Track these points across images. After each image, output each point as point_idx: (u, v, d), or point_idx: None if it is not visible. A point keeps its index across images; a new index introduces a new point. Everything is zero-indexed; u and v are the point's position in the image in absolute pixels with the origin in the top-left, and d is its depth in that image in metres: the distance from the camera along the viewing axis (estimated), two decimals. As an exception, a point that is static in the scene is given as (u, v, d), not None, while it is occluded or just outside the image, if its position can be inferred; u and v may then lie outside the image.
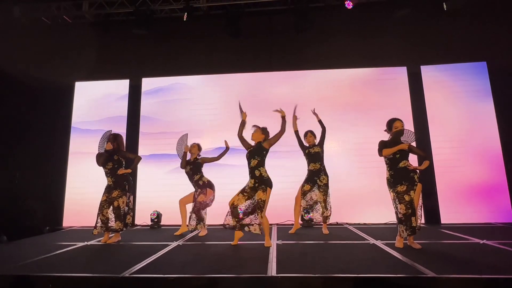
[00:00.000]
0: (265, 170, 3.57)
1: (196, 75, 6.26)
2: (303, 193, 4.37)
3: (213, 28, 6.20)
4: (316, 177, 4.34)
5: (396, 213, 3.36)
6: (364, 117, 5.72)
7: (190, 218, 4.28)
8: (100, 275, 2.62)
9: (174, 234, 4.45)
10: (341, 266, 2.69)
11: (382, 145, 3.40)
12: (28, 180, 5.97)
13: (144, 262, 2.97)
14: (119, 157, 4.07)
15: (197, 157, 4.50)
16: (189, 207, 4.49)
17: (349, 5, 5.51)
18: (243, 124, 3.68)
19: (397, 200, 3.31)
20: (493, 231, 4.45)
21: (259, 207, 3.44)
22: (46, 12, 6.21)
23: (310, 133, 4.47)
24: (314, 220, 4.46)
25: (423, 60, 5.85)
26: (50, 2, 6.12)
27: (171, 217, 5.08)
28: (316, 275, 2.47)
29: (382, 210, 5.06)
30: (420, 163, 3.72)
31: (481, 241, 3.63)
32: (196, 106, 6.11)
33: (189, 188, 4.52)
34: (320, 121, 4.47)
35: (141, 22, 5.89)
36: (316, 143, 4.44)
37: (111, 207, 3.99)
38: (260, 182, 3.50)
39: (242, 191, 3.57)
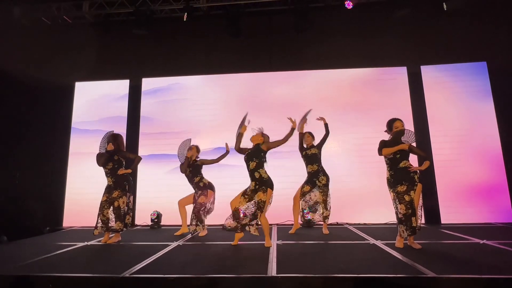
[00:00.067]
0: (265, 171, 3.57)
1: (196, 75, 6.26)
2: (302, 194, 4.38)
3: (213, 28, 6.21)
4: (315, 178, 4.34)
5: (396, 213, 3.36)
6: (364, 117, 5.73)
7: (191, 220, 4.27)
8: (100, 275, 2.62)
9: (174, 234, 4.46)
10: (341, 266, 2.69)
11: (382, 145, 3.40)
12: (28, 180, 5.97)
13: (144, 262, 2.97)
14: (119, 157, 4.08)
15: (196, 159, 4.48)
16: (189, 208, 4.49)
17: (349, 5, 5.51)
18: (240, 137, 3.61)
19: (397, 200, 3.31)
20: (493, 231, 4.45)
21: (259, 208, 3.44)
22: (46, 12, 6.21)
23: (308, 134, 4.47)
24: (314, 220, 4.46)
25: (423, 60, 5.85)
26: (50, 3, 6.12)
27: (171, 217, 5.09)
28: (316, 275, 2.47)
29: (382, 210, 5.06)
30: (420, 163, 3.72)
31: (481, 241, 3.63)
32: (196, 106, 6.11)
33: (190, 188, 4.52)
34: (326, 125, 4.45)
35: (141, 22, 5.89)
36: (314, 145, 4.44)
37: (112, 207, 3.99)
38: (260, 184, 3.50)
39: (244, 194, 3.57)
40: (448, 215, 5.27)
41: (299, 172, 4.55)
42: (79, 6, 6.21)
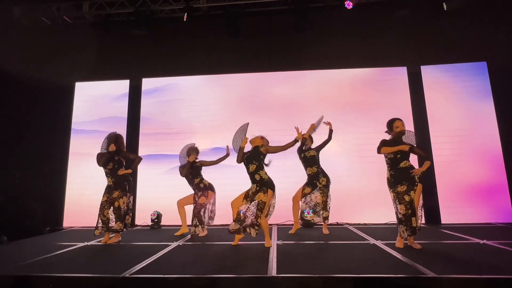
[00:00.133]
0: (265, 173, 3.57)
1: (196, 75, 6.26)
2: (303, 195, 4.39)
3: (213, 28, 6.21)
4: (315, 180, 4.35)
5: (396, 213, 3.36)
6: (364, 117, 5.73)
7: (192, 221, 4.26)
8: (100, 275, 2.62)
9: (174, 234, 4.46)
10: (341, 266, 2.69)
11: (383, 144, 3.39)
12: (28, 180, 5.97)
13: (145, 262, 2.97)
14: (120, 158, 4.08)
15: (196, 160, 4.47)
16: (188, 208, 4.49)
17: (349, 5, 5.51)
18: (241, 151, 3.59)
19: (397, 200, 3.31)
20: (493, 231, 4.44)
21: (259, 209, 3.44)
22: (46, 12, 6.21)
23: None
24: (314, 221, 4.46)
25: (423, 60, 5.85)
26: (50, 3, 6.12)
27: (171, 217, 5.08)
28: (316, 275, 2.47)
29: (382, 210, 5.06)
30: (421, 163, 3.72)
31: (481, 241, 3.63)
32: (196, 106, 6.11)
33: (190, 189, 4.52)
34: (331, 131, 4.44)
35: (141, 23, 5.89)
36: (312, 147, 4.44)
37: (112, 207, 3.99)
38: (261, 185, 3.50)
39: (246, 197, 3.56)
40: (448, 215, 5.27)
41: (300, 172, 4.55)
42: (79, 6, 6.22)
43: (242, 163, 3.64)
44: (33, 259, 3.21)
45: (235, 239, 3.67)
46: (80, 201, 5.78)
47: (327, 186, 4.34)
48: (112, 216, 3.99)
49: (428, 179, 5.17)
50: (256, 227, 3.43)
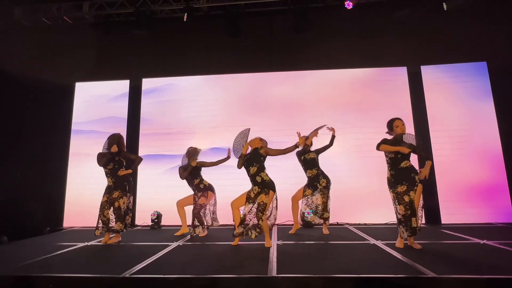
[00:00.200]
0: (266, 174, 3.57)
1: (196, 76, 6.26)
2: (304, 197, 4.39)
3: (213, 28, 6.21)
4: (316, 182, 4.35)
5: (396, 213, 3.36)
6: (364, 117, 5.72)
7: (192, 222, 4.26)
8: (100, 275, 2.62)
9: (175, 234, 4.46)
10: (342, 266, 2.69)
11: (383, 141, 3.38)
12: (28, 180, 5.98)
13: (145, 262, 2.97)
14: (120, 158, 4.08)
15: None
16: (187, 209, 4.49)
17: (348, 5, 5.51)
18: (242, 158, 3.59)
19: (396, 201, 3.31)
20: (494, 231, 4.44)
21: (260, 210, 3.44)
22: (47, 13, 6.22)
23: (305, 138, 4.45)
24: (315, 222, 4.45)
25: (423, 60, 5.85)
26: (50, 3, 6.12)
27: (171, 217, 5.08)
28: (317, 275, 2.48)
29: (382, 210, 5.06)
30: (421, 163, 3.71)
31: (482, 241, 3.63)
32: (196, 106, 6.11)
33: (190, 189, 4.52)
34: (333, 137, 4.45)
35: (141, 23, 5.89)
36: (312, 149, 4.44)
37: (112, 207, 3.99)
38: (263, 187, 3.50)
39: (248, 199, 3.54)
40: (448, 215, 5.26)
41: (300, 173, 4.54)
42: (79, 7, 6.22)
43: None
44: (33, 259, 3.21)
45: (235, 239, 3.67)
46: (80, 201, 5.79)
47: (327, 187, 4.35)
48: (112, 216, 3.99)
49: (428, 179, 5.07)
50: (258, 229, 3.42)
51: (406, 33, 5.85)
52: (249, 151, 3.67)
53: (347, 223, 5.27)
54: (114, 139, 4.07)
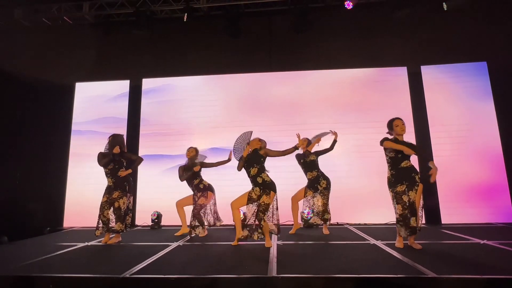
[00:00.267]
0: (267, 175, 3.57)
1: (196, 76, 6.26)
2: (305, 198, 4.40)
3: (213, 28, 6.21)
4: (316, 183, 4.35)
5: (395, 213, 3.36)
6: (364, 117, 5.72)
7: (191, 222, 4.25)
8: (100, 275, 2.62)
9: (175, 234, 4.46)
10: (342, 267, 2.69)
11: (386, 139, 3.36)
12: (28, 180, 5.98)
13: (145, 262, 2.97)
14: (121, 159, 4.08)
15: (195, 161, 4.46)
16: (187, 209, 4.49)
17: (348, 5, 5.51)
18: (242, 160, 3.59)
19: (395, 200, 3.31)
20: (494, 231, 4.44)
21: (261, 211, 3.44)
22: (47, 13, 6.22)
23: (306, 139, 4.44)
24: (315, 223, 4.45)
25: (423, 60, 5.85)
26: (50, 3, 6.13)
27: (172, 217, 5.07)
28: (317, 275, 2.47)
29: (382, 210, 5.05)
30: (421, 163, 3.71)
31: (482, 241, 3.63)
32: (196, 107, 6.11)
33: (190, 189, 4.51)
34: (335, 142, 4.46)
35: (142, 23, 5.89)
36: (311, 151, 4.44)
37: (112, 208, 3.99)
38: (264, 187, 3.50)
39: (249, 200, 3.53)
40: (449, 215, 5.26)
41: (300, 174, 4.55)
42: (79, 7, 6.22)
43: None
44: (33, 259, 3.21)
45: (235, 239, 3.67)
46: (80, 201, 5.79)
47: (327, 188, 4.35)
48: (112, 216, 3.99)
49: (429, 179, 5.15)
50: (260, 230, 3.43)
51: (406, 33, 5.85)
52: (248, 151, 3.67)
53: (347, 223, 5.27)
54: (117, 140, 4.06)
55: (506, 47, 5.55)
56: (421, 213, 3.41)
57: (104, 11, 6.19)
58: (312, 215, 4.39)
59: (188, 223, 4.34)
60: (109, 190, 4.01)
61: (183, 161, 4.56)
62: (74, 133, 6.20)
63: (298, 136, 3.81)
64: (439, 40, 5.80)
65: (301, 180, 4.52)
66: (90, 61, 6.19)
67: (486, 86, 5.63)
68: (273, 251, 3.29)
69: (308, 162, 4.38)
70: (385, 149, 3.41)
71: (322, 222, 4.34)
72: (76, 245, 3.94)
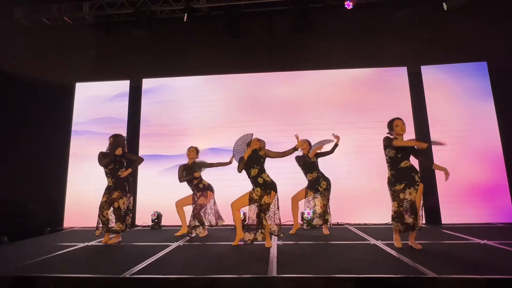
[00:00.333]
0: (267, 175, 3.56)
1: (196, 76, 6.26)
2: (306, 200, 4.40)
3: (213, 28, 6.21)
4: (317, 184, 4.36)
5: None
6: (364, 117, 5.72)
7: (190, 221, 4.25)
8: (100, 275, 2.62)
9: (175, 234, 4.46)
10: (342, 267, 2.69)
11: (390, 139, 3.36)
12: (28, 180, 5.98)
13: (145, 262, 2.97)
14: (122, 159, 4.07)
15: (195, 161, 4.46)
16: (187, 209, 4.49)
17: (348, 5, 5.51)
18: (243, 162, 3.58)
19: (392, 197, 3.32)
20: (494, 231, 4.44)
21: (262, 210, 3.44)
22: (47, 13, 6.22)
23: (305, 140, 4.43)
24: (316, 224, 4.44)
25: (423, 60, 5.85)
26: (50, 4, 6.13)
27: (172, 217, 5.07)
28: (317, 275, 2.47)
29: (382, 210, 5.04)
30: (420, 163, 3.70)
31: (482, 241, 3.63)
32: (196, 107, 6.10)
33: (190, 189, 4.51)
34: (336, 146, 4.45)
35: (142, 23, 5.89)
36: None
37: (111, 208, 3.99)
38: (265, 188, 3.49)
39: (250, 201, 3.52)
40: (449, 215, 5.26)
41: (300, 174, 4.55)
42: (79, 7, 6.22)
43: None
44: (33, 259, 3.21)
45: (235, 240, 3.67)
46: (80, 201, 5.79)
47: (327, 189, 4.35)
48: (111, 216, 3.99)
49: (429, 179, 5.16)
50: (263, 230, 3.43)
51: (406, 33, 5.85)
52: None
53: (347, 223, 5.27)
54: (119, 141, 4.04)
55: (506, 47, 5.55)
56: (421, 213, 3.41)
57: (104, 11, 6.19)
58: (312, 215, 4.39)
59: (188, 223, 4.34)
60: (109, 190, 4.01)
61: (183, 161, 4.55)
62: (74, 133, 6.20)
63: (297, 137, 3.81)
64: (439, 40, 5.80)
65: (301, 180, 4.52)
66: (90, 61, 6.19)
67: (486, 86, 5.63)
68: (273, 251, 3.29)
69: (308, 163, 4.38)
70: (384, 149, 3.41)
71: (321, 222, 4.34)
72: (76, 245, 3.94)
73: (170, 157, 5.84)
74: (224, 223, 4.47)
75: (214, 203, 4.45)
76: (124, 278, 2.53)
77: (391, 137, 3.39)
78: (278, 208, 3.58)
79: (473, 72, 5.74)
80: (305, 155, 4.39)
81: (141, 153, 5.87)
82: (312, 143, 4.53)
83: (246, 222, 3.75)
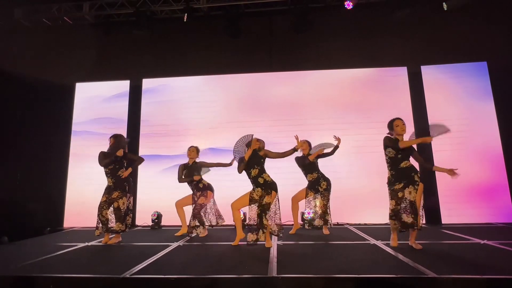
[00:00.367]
0: (268, 175, 3.56)
1: (196, 76, 6.26)
2: (306, 200, 4.40)
3: (213, 28, 6.21)
4: (317, 185, 4.35)
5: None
6: (364, 117, 5.72)
7: (190, 221, 4.26)
8: (101, 275, 2.62)
9: (175, 234, 4.46)
10: (342, 267, 2.69)
11: (392, 141, 3.34)
12: (28, 180, 5.98)
13: (145, 262, 2.97)
14: (122, 159, 4.07)
15: (196, 161, 4.46)
16: (186, 209, 4.49)
17: (348, 5, 5.51)
18: (243, 163, 3.58)
19: (390, 196, 3.32)
20: (494, 231, 4.44)
21: (263, 210, 3.44)
22: (47, 13, 6.22)
23: (305, 141, 4.43)
24: (317, 225, 4.44)
25: (423, 60, 5.85)
26: (50, 4, 6.13)
27: (172, 217, 5.07)
28: (317, 275, 2.47)
29: (382, 210, 5.00)
30: (420, 164, 3.70)
31: (482, 241, 3.63)
32: (196, 107, 6.10)
33: (190, 189, 4.51)
34: (336, 147, 4.45)
35: (142, 23, 5.90)
36: (311, 153, 4.43)
37: (111, 208, 3.99)
38: (266, 188, 3.49)
39: (251, 201, 3.51)
40: (449, 215, 5.26)
41: (300, 174, 4.54)
42: (79, 7, 6.22)
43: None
44: (33, 259, 3.21)
45: (235, 240, 3.67)
46: (80, 201, 5.79)
47: (327, 189, 4.35)
48: (111, 216, 3.99)
49: (429, 179, 5.16)
50: (265, 230, 3.43)
51: (406, 33, 5.85)
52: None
53: (347, 223, 5.27)
54: (121, 143, 4.04)
55: (506, 47, 5.55)
56: (421, 213, 3.41)
57: (104, 11, 6.19)
58: (313, 215, 4.39)
59: (188, 223, 4.34)
60: (108, 190, 4.01)
61: (183, 161, 4.55)
62: (74, 133, 6.20)
63: (297, 138, 3.81)
64: (439, 40, 5.80)
65: (301, 180, 4.52)
66: (90, 61, 6.19)
67: (486, 86, 5.63)
68: (273, 251, 3.29)
69: (308, 164, 4.38)
70: (384, 149, 3.41)
71: (321, 223, 4.34)
72: (76, 245, 3.94)
73: (170, 157, 5.84)
74: (224, 223, 4.47)
75: (214, 203, 4.45)
76: (124, 278, 2.53)
77: (392, 137, 3.40)
78: (279, 208, 3.58)
79: (473, 72, 5.74)
80: (305, 156, 4.39)
81: (141, 153, 5.87)
82: (312, 144, 4.53)
83: (247, 222, 3.75)
